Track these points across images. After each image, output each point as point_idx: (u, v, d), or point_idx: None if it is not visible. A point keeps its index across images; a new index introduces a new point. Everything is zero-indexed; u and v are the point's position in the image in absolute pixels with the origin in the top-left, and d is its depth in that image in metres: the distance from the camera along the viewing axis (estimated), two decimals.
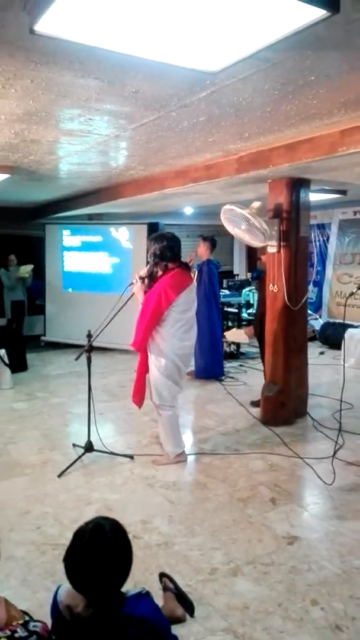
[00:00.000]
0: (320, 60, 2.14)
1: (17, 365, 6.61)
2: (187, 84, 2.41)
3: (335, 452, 4.00)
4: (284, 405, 4.76)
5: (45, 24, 1.73)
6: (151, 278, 3.86)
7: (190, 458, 4.06)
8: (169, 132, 3.37)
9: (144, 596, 1.58)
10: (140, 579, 2.57)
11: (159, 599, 2.38)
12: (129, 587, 1.66)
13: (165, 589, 2.48)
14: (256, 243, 4.45)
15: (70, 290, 8.38)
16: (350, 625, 2.29)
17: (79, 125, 3.26)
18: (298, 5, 1.55)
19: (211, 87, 2.46)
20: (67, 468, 3.80)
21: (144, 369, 3.93)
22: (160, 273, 3.82)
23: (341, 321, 7.53)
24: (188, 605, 2.38)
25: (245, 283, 9.71)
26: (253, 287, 8.74)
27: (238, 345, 7.72)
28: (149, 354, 3.86)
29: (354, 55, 2.09)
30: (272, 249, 4.62)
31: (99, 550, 1.48)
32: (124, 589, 1.58)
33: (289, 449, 4.18)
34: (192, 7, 1.63)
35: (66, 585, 1.67)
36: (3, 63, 2.20)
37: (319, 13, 1.58)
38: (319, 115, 2.99)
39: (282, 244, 4.55)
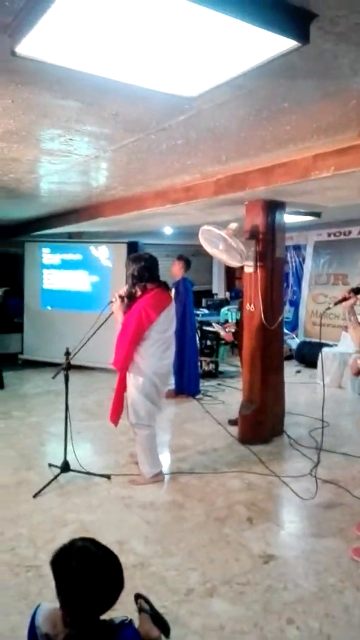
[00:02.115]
0: (293, 88, 2.22)
1: None
2: (166, 108, 2.47)
3: (312, 470, 4.04)
4: (261, 423, 4.79)
5: (27, 47, 1.78)
6: (130, 298, 3.88)
7: (168, 477, 4.04)
8: (148, 154, 3.43)
9: (127, 625, 1.53)
10: None
11: (134, 620, 2.35)
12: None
13: (140, 610, 2.44)
14: (233, 263, 4.52)
15: (49, 308, 8.34)
16: None
17: (60, 145, 3.30)
18: (270, 36, 1.62)
19: (189, 111, 2.53)
20: (43, 488, 3.74)
21: (122, 387, 3.92)
22: (139, 293, 3.85)
23: (317, 340, 7.65)
24: (164, 627, 2.35)
25: (224, 302, 9.80)
26: (232, 307, 8.82)
27: (216, 364, 7.77)
28: (127, 373, 3.85)
29: (325, 83, 2.18)
30: (248, 269, 4.70)
31: (93, 570, 1.45)
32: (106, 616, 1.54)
33: (266, 467, 4.20)
34: (171, 35, 1.69)
35: (44, 609, 1.61)
36: None
37: (290, 44, 1.66)
38: (292, 141, 3.09)
39: (258, 264, 4.62)
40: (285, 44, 1.67)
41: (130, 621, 1.56)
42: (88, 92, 2.31)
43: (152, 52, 1.83)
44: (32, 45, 1.75)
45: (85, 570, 1.44)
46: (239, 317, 5.74)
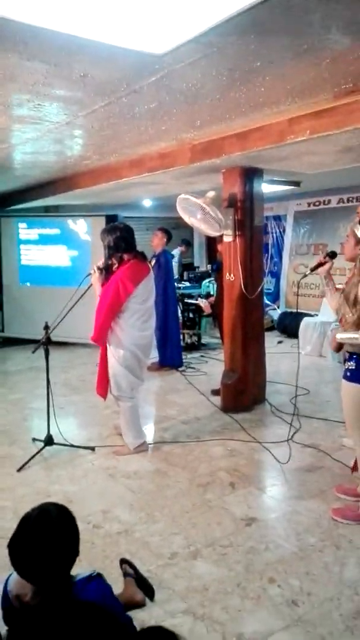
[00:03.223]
0: (264, 46, 2.16)
1: None
2: (135, 67, 2.40)
3: (292, 436, 4.10)
4: (243, 392, 4.83)
5: None
6: (107, 270, 3.83)
7: (152, 447, 4.07)
8: (121, 119, 3.34)
9: (95, 578, 1.57)
10: (100, 566, 2.56)
11: (119, 584, 2.39)
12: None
13: (125, 574, 2.48)
14: (212, 232, 4.48)
15: (27, 284, 8.23)
16: (306, 600, 2.36)
17: (29, 111, 3.19)
18: None
19: (160, 71, 2.45)
20: (27, 462, 3.75)
21: (106, 360, 3.90)
22: (116, 265, 3.80)
23: (298, 310, 7.70)
24: (148, 590, 2.40)
25: (205, 275, 9.77)
26: (212, 279, 8.80)
27: (199, 336, 7.79)
28: (108, 345, 3.83)
29: (296, 41, 2.12)
30: (227, 238, 4.66)
31: (45, 533, 1.47)
32: (74, 572, 1.56)
33: (248, 434, 4.25)
34: None
35: (16, 575, 1.65)
36: None
37: None
38: (267, 104, 3.03)
39: (237, 233, 4.59)
40: None
41: (98, 574, 1.59)
42: (54, 52, 2.22)
43: (117, 7, 1.76)
44: None
45: (37, 529, 1.47)
46: (215, 289, 5.75)
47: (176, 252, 10.14)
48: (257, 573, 2.55)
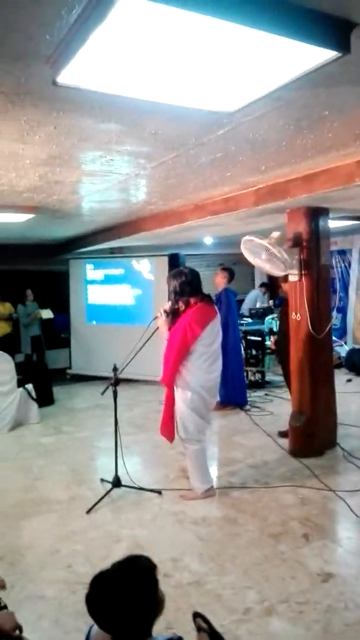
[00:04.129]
0: (334, 97, 2.18)
1: (44, 399, 6.66)
2: (205, 123, 2.48)
3: None
4: (313, 435, 4.67)
5: (67, 76, 1.82)
6: (174, 314, 3.89)
7: (219, 492, 3.98)
8: (187, 168, 3.44)
9: None
10: (173, 618, 2.51)
11: (192, 639, 2.32)
12: (161, 627, 1.63)
13: (199, 629, 2.40)
14: (277, 272, 4.46)
15: (94, 322, 8.49)
16: None
17: (100, 166, 3.37)
18: (310, 48, 1.60)
19: (228, 125, 2.52)
20: (96, 504, 3.78)
21: (171, 402, 3.91)
22: (183, 308, 3.85)
23: None
24: None
25: (267, 311, 9.68)
26: (276, 315, 8.70)
27: (263, 373, 7.67)
28: (175, 387, 3.85)
29: None
30: (293, 278, 4.62)
31: (122, 582, 1.48)
32: (155, 634, 1.54)
33: (320, 481, 4.08)
34: (209, 52, 1.69)
35: (96, 627, 1.65)
36: (28, 112, 2.30)
37: (330, 54, 1.62)
38: (334, 147, 3.03)
39: (303, 272, 4.54)
40: (325, 54, 1.64)
41: (180, 638, 1.56)
42: (128, 115, 2.35)
43: (190, 70, 1.84)
44: (72, 74, 1.80)
45: (122, 580, 1.49)
46: (278, 327, 5.67)
47: (256, 293, 10.27)
48: (336, 635, 2.41)
